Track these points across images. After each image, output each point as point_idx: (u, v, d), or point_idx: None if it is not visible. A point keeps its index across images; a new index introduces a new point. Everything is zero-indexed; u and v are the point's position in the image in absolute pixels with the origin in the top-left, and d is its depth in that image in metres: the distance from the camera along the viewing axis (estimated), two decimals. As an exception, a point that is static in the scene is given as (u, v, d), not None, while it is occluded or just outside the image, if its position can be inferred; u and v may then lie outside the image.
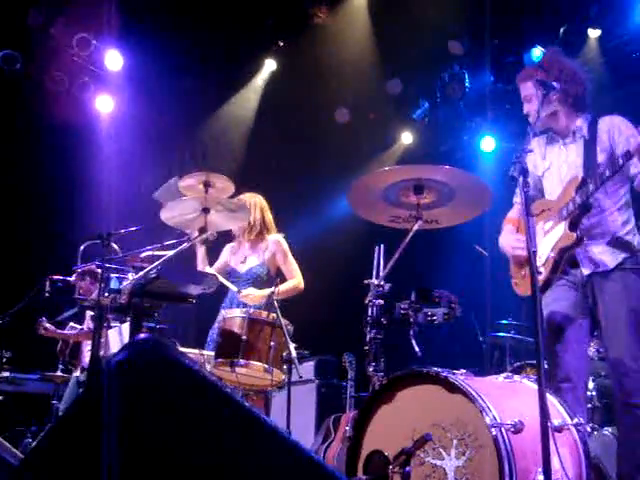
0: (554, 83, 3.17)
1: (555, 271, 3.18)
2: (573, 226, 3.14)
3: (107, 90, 7.49)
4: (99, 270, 5.48)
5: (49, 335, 6.06)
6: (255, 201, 4.93)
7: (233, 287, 4.61)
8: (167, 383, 1.14)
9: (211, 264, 4.93)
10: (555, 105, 3.30)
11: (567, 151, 3.36)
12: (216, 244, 4.80)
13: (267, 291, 4.53)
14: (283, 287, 4.66)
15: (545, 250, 3.20)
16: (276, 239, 4.84)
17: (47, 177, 7.21)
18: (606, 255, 3.18)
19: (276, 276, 4.73)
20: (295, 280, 4.76)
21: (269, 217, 4.96)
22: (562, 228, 3.17)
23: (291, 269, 4.79)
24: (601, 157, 3.20)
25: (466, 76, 7.74)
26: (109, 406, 1.06)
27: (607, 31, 6.84)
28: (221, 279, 4.60)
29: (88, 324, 6.06)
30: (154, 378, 1.13)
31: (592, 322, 3.24)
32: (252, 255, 4.86)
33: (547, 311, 3.21)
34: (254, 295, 4.56)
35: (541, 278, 3.16)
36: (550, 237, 3.22)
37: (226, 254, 5.00)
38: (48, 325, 6.00)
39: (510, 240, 3.39)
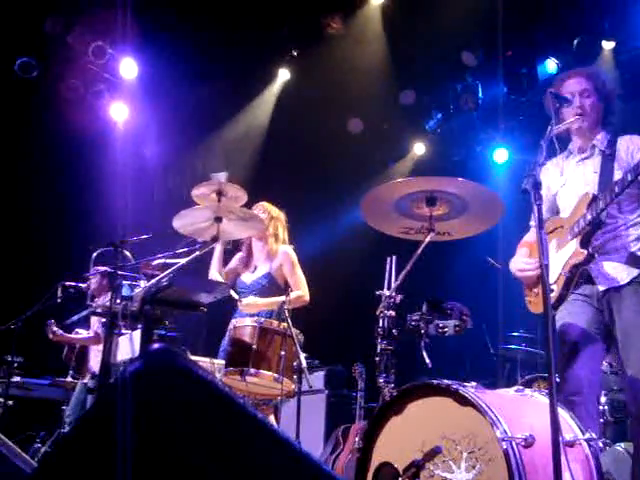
0: (568, 96, 3.17)
1: (567, 289, 3.17)
2: (584, 243, 3.12)
3: (122, 98, 7.55)
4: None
5: (56, 339, 6.08)
6: (277, 213, 4.96)
7: (235, 295, 4.61)
8: (181, 394, 1.14)
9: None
10: (583, 116, 3.27)
11: (584, 167, 3.35)
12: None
13: (268, 300, 4.54)
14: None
15: (556, 267, 3.18)
16: (285, 250, 4.83)
17: (61, 184, 7.27)
18: (620, 271, 3.16)
19: (285, 287, 4.73)
20: (300, 292, 4.73)
21: (283, 231, 4.96)
22: (573, 245, 3.15)
23: (297, 280, 4.77)
24: (618, 175, 3.17)
25: (479, 87, 7.75)
26: (123, 416, 1.06)
27: (621, 43, 6.83)
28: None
29: (95, 329, 6.07)
30: (169, 389, 1.13)
31: (606, 337, 3.21)
32: (261, 265, 4.86)
33: (561, 325, 3.20)
34: (255, 303, 4.56)
35: (553, 295, 3.15)
36: (561, 254, 3.21)
37: (234, 262, 5.01)
38: (56, 329, 6.02)
39: (518, 263, 3.40)
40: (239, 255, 5.03)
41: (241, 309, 4.59)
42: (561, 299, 3.18)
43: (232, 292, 4.63)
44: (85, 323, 6.23)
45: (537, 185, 2.53)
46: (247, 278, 4.86)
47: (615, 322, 3.14)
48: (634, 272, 3.14)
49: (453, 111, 8.08)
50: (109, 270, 5.48)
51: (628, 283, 3.14)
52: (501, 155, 8.05)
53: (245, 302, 4.55)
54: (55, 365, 6.72)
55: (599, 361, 3.32)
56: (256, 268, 4.87)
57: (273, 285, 4.74)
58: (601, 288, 3.18)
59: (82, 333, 6.23)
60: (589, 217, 3.10)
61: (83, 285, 5.81)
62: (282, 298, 4.52)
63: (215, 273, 4.79)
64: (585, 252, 3.10)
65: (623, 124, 3.41)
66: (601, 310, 3.20)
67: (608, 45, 6.87)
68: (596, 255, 3.11)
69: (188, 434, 1.13)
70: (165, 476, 1.10)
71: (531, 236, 3.53)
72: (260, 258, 4.89)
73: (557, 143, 3.08)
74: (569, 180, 3.38)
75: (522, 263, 3.37)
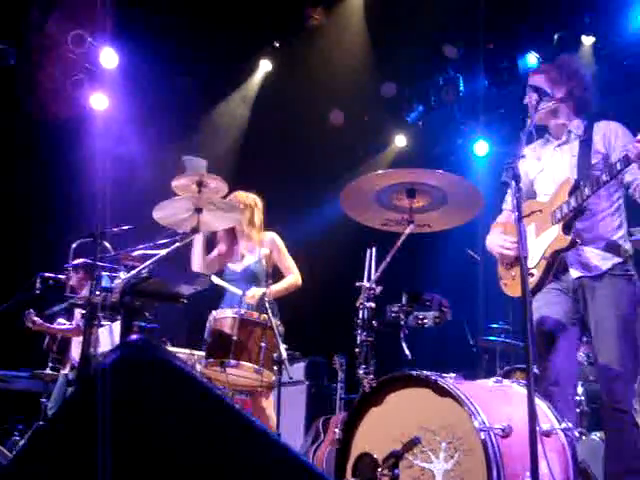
0: (547, 90, 3.20)
1: (547, 274, 3.19)
2: (567, 229, 3.14)
3: (102, 88, 7.47)
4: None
5: (37, 329, 6.04)
6: (251, 200, 4.91)
7: (237, 291, 4.55)
8: (158, 385, 1.14)
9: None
10: (557, 103, 3.31)
11: (561, 153, 3.38)
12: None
13: (271, 288, 4.50)
14: (281, 285, 4.67)
15: (537, 252, 3.21)
16: (271, 236, 4.83)
17: (39, 175, 7.19)
18: (597, 259, 3.19)
19: (272, 274, 4.73)
20: (293, 276, 4.75)
21: (261, 216, 4.94)
22: (555, 231, 3.17)
23: (288, 265, 4.79)
24: (595, 159, 3.22)
25: (460, 80, 7.77)
26: (102, 407, 1.06)
27: (601, 38, 6.88)
28: (224, 284, 4.57)
29: (77, 321, 6.04)
30: (146, 380, 1.13)
31: (582, 327, 3.25)
32: (248, 253, 4.83)
33: (538, 315, 3.23)
34: (258, 296, 4.50)
35: (533, 280, 3.17)
36: (542, 239, 3.22)
37: (221, 248, 4.94)
38: (36, 318, 5.97)
39: (498, 240, 3.40)
40: (222, 243, 4.98)
41: (248, 302, 4.51)
42: (539, 286, 3.20)
43: (233, 288, 4.57)
44: (66, 314, 6.19)
45: (517, 177, 2.56)
46: (237, 266, 4.81)
47: (588, 312, 3.18)
48: (609, 263, 3.18)
49: (434, 103, 8.09)
50: (85, 262, 5.50)
51: (602, 274, 3.17)
52: (482, 147, 8.08)
53: (250, 294, 4.48)
54: (34, 357, 6.67)
55: (575, 351, 3.37)
56: (244, 256, 4.84)
57: (264, 272, 4.73)
58: (574, 275, 3.21)
59: (64, 324, 6.18)
60: (573, 204, 3.10)
61: (62, 276, 5.78)
62: (278, 285, 4.60)
63: (197, 264, 4.75)
64: (569, 238, 3.11)
65: (602, 117, 3.43)
66: (577, 300, 3.23)
67: (588, 40, 6.92)
68: (578, 241, 3.14)
69: (165, 425, 1.13)
70: (143, 466, 1.11)
71: (504, 218, 3.54)
72: (247, 246, 4.86)
73: (535, 131, 3.11)
74: (547, 166, 3.40)
75: (502, 240, 3.36)
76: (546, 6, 6.90)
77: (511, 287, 3.35)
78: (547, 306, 3.25)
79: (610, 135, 3.26)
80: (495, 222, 3.59)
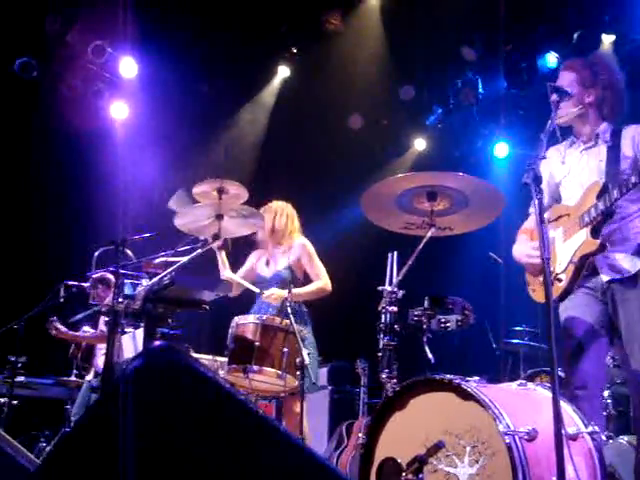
0: (569, 90, 3.15)
1: (576, 278, 3.13)
2: (596, 233, 3.07)
3: (122, 97, 7.54)
4: (111, 277, 5.58)
5: (61, 336, 6.09)
6: (283, 208, 4.95)
7: (255, 289, 4.61)
8: (183, 390, 1.15)
9: (234, 270, 4.91)
10: (585, 108, 3.27)
11: (588, 156, 3.31)
12: (235, 250, 4.81)
13: (295, 291, 4.52)
14: (307, 289, 4.68)
15: (565, 257, 3.16)
16: (301, 242, 4.83)
17: (62, 184, 7.27)
18: (626, 262, 3.12)
19: (303, 279, 4.74)
20: (321, 282, 4.73)
21: (296, 224, 4.96)
22: (584, 234, 3.11)
23: (317, 271, 4.77)
24: (624, 164, 3.15)
25: (479, 82, 7.73)
26: (125, 413, 1.07)
27: (621, 36, 6.82)
28: (242, 282, 4.63)
29: (101, 327, 6.09)
30: (170, 386, 1.14)
31: (611, 330, 3.18)
32: (278, 259, 4.85)
33: (566, 318, 3.17)
34: (277, 295, 4.55)
35: (562, 285, 3.13)
36: (570, 243, 3.17)
37: (252, 260, 5.00)
38: (60, 326, 6.03)
39: (525, 249, 3.34)
40: (255, 253, 5.01)
41: (265, 300, 4.58)
42: (568, 291, 3.15)
43: (251, 286, 4.63)
44: (91, 322, 6.24)
45: (538, 179, 2.53)
46: (266, 272, 4.85)
47: (619, 315, 3.10)
48: (639, 264, 3.12)
49: (453, 106, 8.06)
50: (102, 277, 5.59)
51: (632, 276, 3.10)
52: (502, 149, 8.04)
53: (267, 293, 4.53)
54: (59, 364, 6.73)
55: (604, 355, 3.29)
56: (269, 262, 4.87)
57: (294, 277, 4.74)
58: (605, 278, 3.13)
59: (89, 331, 6.24)
60: (601, 207, 3.03)
61: (85, 284, 5.83)
62: (304, 289, 4.61)
63: (227, 273, 4.77)
64: (598, 242, 3.05)
65: (624, 115, 3.39)
66: (605, 303, 3.16)
67: (608, 39, 6.86)
68: (607, 245, 3.08)
69: (190, 431, 1.13)
70: (167, 473, 1.11)
71: (531, 223, 3.50)
72: (276, 252, 4.88)
73: (559, 132, 3.07)
74: (573, 169, 3.34)
75: (529, 249, 3.30)
76: (565, 5, 6.85)
77: (539, 293, 3.29)
78: (575, 308, 3.18)
79: (639, 138, 3.21)
80: (521, 228, 3.53)
